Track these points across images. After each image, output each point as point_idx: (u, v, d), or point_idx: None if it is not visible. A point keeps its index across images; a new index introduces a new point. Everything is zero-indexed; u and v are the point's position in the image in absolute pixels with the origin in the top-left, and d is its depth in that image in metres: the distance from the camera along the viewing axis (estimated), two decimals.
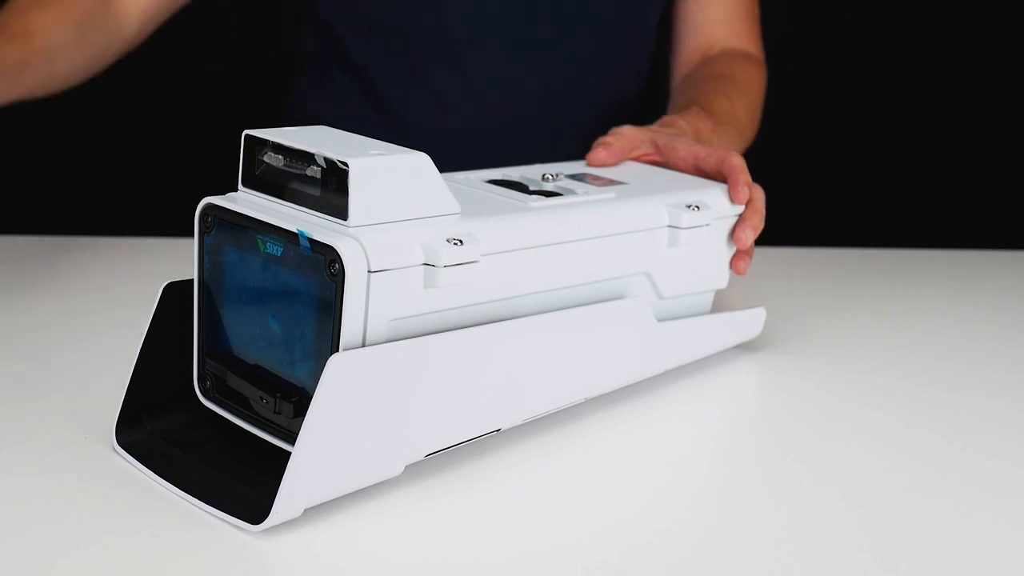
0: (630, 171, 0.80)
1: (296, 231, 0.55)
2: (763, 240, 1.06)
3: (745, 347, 0.84)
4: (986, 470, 0.67)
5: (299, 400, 0.57)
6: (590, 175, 0.77)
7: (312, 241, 0.55)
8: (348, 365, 0.54)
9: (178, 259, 0.97)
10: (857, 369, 0.82)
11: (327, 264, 0.54)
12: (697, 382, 0.77)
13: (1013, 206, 1.88)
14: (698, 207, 0.73)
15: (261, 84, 1.58)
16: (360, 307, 0.55)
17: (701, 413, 0.74)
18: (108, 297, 0.87)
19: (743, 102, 1.06)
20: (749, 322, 0.82)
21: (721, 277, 0.79)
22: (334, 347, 0.55)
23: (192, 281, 0.62)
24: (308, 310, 0.56)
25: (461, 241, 0.58)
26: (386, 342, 0.56)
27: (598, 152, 0.82)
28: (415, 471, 0.61)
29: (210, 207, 0.60)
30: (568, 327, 0.66)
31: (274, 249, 0.57)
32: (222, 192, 0.61)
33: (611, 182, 0.75)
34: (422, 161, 0.59)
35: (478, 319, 0.62)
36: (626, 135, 0.86)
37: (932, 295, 1.02)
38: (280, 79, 1.22)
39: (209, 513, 0.56)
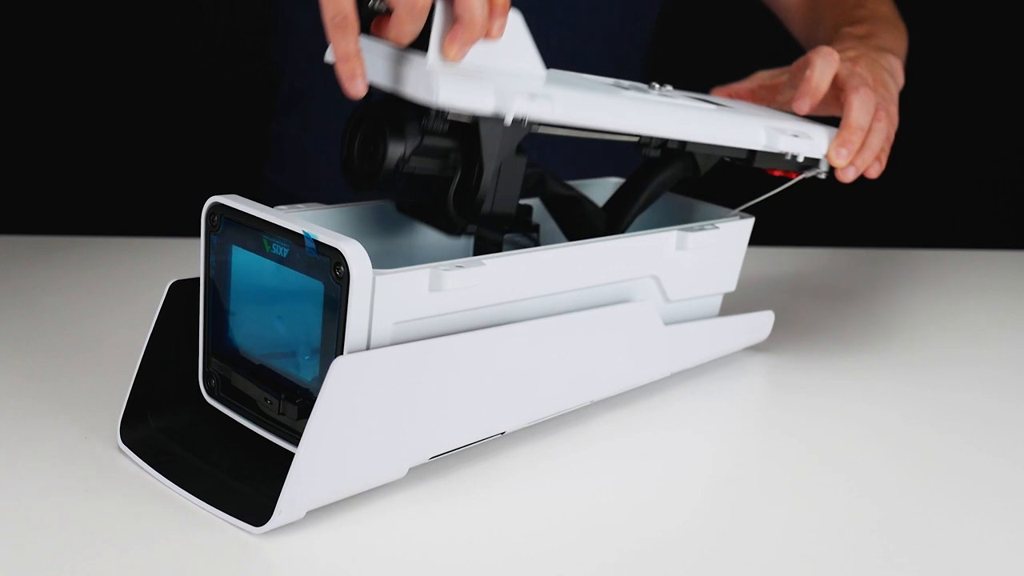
0: None
1: (302, 232, 0.55)
2: (764, 240, 1.06)
3: (750, 347, 0.84)
4: (991, 470, 0.67)
5: (303, 401, 0.57)
6: None
7: (318, 243, 0.55)
8: (352, 367, 0.54)
9: (178, 259, 0.97)
10: (859, 369, 0.82)
11: (332, 266, 0.54)
12: (702, 382, 0.77)
13: (1014, 205, 1.88)
14: (714, 227, 0.73)
15: (265, 84, 1.58)
16: (365, 309, 0.55)
17: (706, 414, 0.74)
18: (109, 297, 0.87)
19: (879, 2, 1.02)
20: (757, 325, 0.82)
21: (729, 281, 0.79)
22: (339, 349, 0.55)
23: (198, 280, 0.62)
24: (313, 311, 0.56)
25: None
26: (391, 345, 0.56)
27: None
28: (419, 473, 0.61)
29: (217, 206, 0.60)
30: (574, 330, 0.66)
31: (280, 250, 0.57)
32: (224, 192, 0.61)
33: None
34: None
35: (483, 322, 0.62)
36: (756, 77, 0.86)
37: (932, 295, 1.02)
38: (259, 102, 1.22)
39: (212, 514, 0.56)
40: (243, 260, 0.60)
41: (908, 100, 1.17)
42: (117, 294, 0.88)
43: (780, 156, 0.77)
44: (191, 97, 1.71)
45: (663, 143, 0.73)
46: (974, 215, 1.88)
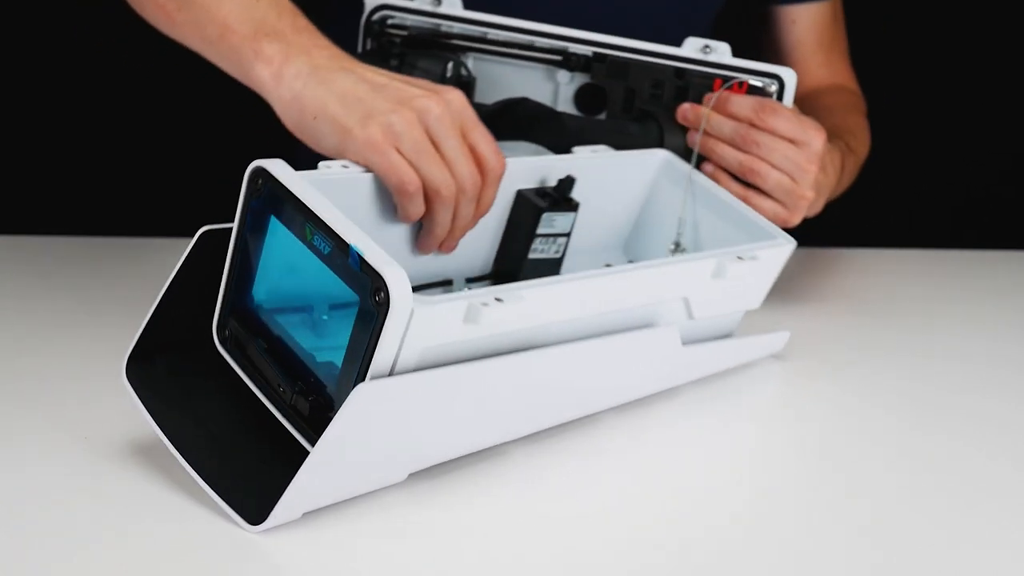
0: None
1: (349, 245, 0.53)
2: None
3: None
4: (991, 471, 0.67)
5: (316, 400, 0.56)
6: None
7: (363, 261, 0.53)
8: (373, 394, 0.53)
9: (178, 259, 0.97)
10: (858, 370, 0.82)
11: (373, 290, 0.52)
12: (709, 384, 0.77)
13: (1014, 205, 1.88)
14: (754, 257, 0.72)
15: None
16: (397, 338, 0.53)
17: (712, 415, 0.73)
18: (108, 297, 0.87)
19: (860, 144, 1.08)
20: (773, 342, 0.81)
21: (756, 299, 0.78)
22: (363, 371, 0.53)
23: (229, 231, 0.59)
24: (344, 320, 0.54)
25: None
26: (415, 368, 0.55)
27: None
28: (423, 476, 0.61)
29: (261, 171, 0.57)
30: (597, 355, 0.65)
31: (322, 246, 0.55)
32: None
33: None
34: None
35: (509, 345, 0.60)
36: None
37: (932, 295, 1.02)
38: None
39: (210, 498, 0.56)
40: (281, 235, 0.57)
41: (908, 100, 1.17)
42: (118, 294, 0.88)
43: (705, 72, 0.86)
44: (189, 96, 1.71)
45: (587, 59, 0.87)
46: (974, 215, 1.88)
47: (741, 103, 0.84)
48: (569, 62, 0.88)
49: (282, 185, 0.56)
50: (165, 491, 0.58)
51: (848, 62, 1.21)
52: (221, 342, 0.61)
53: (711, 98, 0.85)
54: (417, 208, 0.63)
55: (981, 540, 0.58)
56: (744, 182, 0.84)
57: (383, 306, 0.52)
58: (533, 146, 0.84)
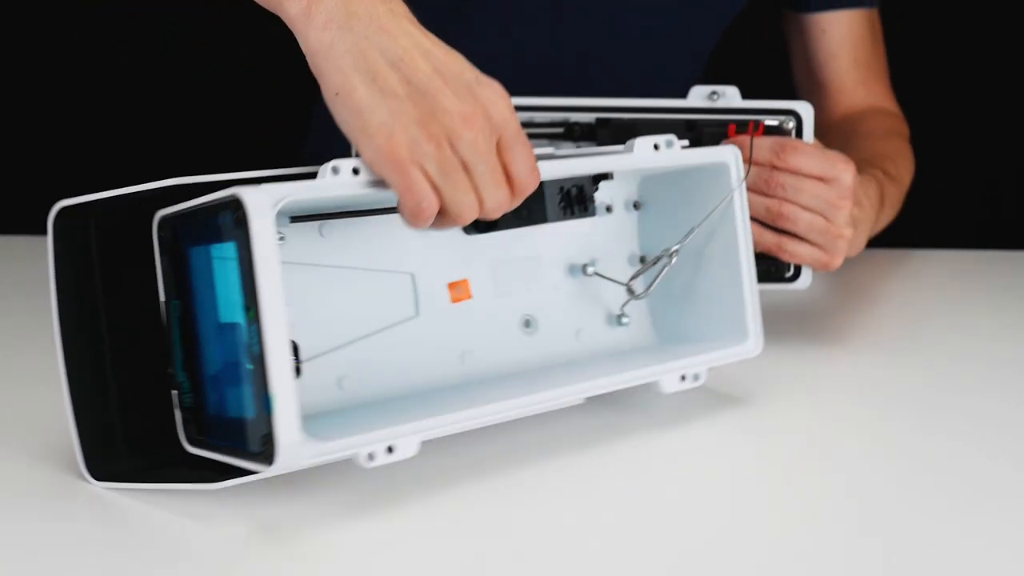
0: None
1: (268, 393, 0.51)
2: None
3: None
4: (991, 472, 0.67)
5: (196, 412, 0.57)
6: None
7: (271, 413, 0.51)
8: (224, 487, 0.55)
9: None
10: (857, 371, 0.82)
11: (265, 436, 0.52)
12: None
13: (1014, 205, 1.88)
14: (696, 376, 0.70)
15: (268, 82, 1.58)
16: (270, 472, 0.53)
17: (694, 412, 0.73)
18: None
19: (901, 174, 1.03)
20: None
21: None
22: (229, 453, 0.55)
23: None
24: (241, 405, 0.54)
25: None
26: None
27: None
28: (413, 490, 0.61)
29: (235, 203, 0.52)
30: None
31: (254, 342, 0.51)
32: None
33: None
34: None
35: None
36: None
37: (932, 295, 1.02)
38: (297, 82, 1.22)
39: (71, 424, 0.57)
40: (231, 273, 0.53)
41: (910, 98, 1.17)
42: None
43: (716, 120, 0.82)
44: (191, 96, 1.71)
45: (591, 126, 0.84)
46: (973, 215, 1.88)
47: (759, 145, 0.80)
48: (572, 133, 0.85)
49: (251, 254, 0.51)
50: (165, 492, 0.58)
51: (887, 82, 1.15)
52: (159, 229, 0.59)
53: (736, 142, 0.78)
54: (425, 226, 0.58)
55: (981, 540, 0.58)
56: (776, 228, 0.81)
57: (266, 457, 0.52)
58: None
